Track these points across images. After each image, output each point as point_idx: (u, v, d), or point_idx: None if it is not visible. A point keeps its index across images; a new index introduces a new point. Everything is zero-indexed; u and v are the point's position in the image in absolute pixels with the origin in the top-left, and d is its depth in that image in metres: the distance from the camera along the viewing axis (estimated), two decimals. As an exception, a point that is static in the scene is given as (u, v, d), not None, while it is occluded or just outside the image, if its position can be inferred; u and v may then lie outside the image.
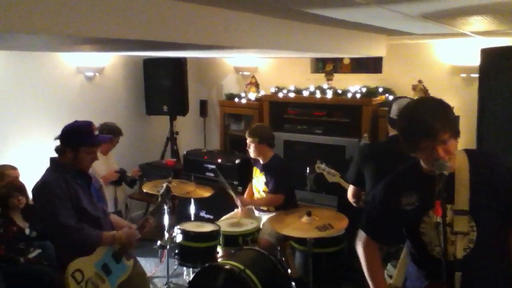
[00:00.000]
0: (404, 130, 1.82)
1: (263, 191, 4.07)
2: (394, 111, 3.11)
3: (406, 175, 1.98)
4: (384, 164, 3.05)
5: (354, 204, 3.35)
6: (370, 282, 2.03)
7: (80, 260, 2.60)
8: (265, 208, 4.06)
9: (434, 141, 1.71)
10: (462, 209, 1.77)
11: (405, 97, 3.28)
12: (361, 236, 2.08)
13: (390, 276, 2.20)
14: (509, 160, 3.18)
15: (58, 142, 2.75)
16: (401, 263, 2.11)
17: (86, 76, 5.20)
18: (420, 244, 1.89)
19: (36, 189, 2.67)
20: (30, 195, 3.55)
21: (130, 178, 4.25)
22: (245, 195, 4.34)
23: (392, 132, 3.16)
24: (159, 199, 3.34)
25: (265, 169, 4.03)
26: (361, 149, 3.40)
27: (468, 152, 1.91)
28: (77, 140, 2.69)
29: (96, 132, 2.78)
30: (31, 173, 3.88)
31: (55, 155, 2.79)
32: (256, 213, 4.13)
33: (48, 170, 2.74)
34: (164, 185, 3.46)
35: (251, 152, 4.04)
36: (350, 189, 3.29)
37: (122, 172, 4.19)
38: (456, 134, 1.79)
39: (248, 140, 4.01)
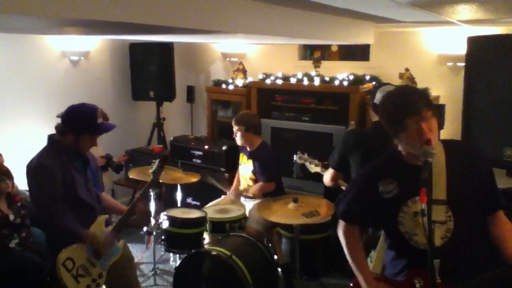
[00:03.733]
0: (389, 111, 1.87)
1: (250, 178, 4.06)
2: (378, 98, 3.14)
3: (386, 162, 2.01)
4: (371, 151, 3.09)
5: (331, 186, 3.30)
6: (352, 265, 2.06)
7: (71, 248, 2.59)
8: (251, 195, 4.06)
9: (419, 117, 1.76)
10: (439, 198, 1.81)
11: (388, 83, 3.30)
12: (341, 221, 2.12)
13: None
14: (494, 147, 3.23)
15: (59, 120, 2.71)
16: (379, 250, 2.13)
17: (71, 60, 5.12)
18: (397, 233, 1.91)
19: (31, 168, 2.60)
20: (15, 180, 3.56)
21: (116, 163, 4.20)
22: (234, 183, 4.33)
23: (375, 118, 3.19)
24: (151, 177, 3.14)
25: (252, 156, 4.02)
26: (346, 136, 3.38)
27: (444, 142, 1.94)
28: (80, 127, 2.64)
29: (100, 120, 2.70)
30: (15, 158, 3.84)
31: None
32: (242, 199, 4.13)
33: (45, 150, 2.67)
34: (157, 161, 3.19)
35: (238, 140, 4.02)
36: (329, 173, 3.25)
37: (108, 158, 4.14)
38: (436, 114, 1.84)
39: (235, 128, 3.99)
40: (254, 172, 4.01)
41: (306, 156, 3.60)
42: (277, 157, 4.05)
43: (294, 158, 3.78)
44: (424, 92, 1.90)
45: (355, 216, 2.07)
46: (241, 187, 4.20)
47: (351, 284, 2.15)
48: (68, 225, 2.58)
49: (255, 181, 4.03)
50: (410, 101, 1.79)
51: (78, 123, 2.64)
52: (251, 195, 4.03)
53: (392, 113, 1.85)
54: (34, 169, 2.59)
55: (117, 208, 3.06)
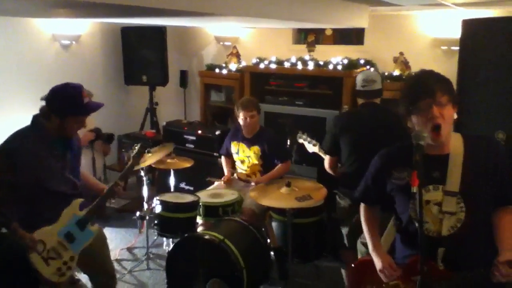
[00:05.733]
0: (406, 93, 1.92)
1: (255, 164, 4.01)
2: (359, 82, 3.37)
3: (402, 151, 2.02)
4: (360, 131, 3.24)
5: (332, 173, 3.51)
6: (367, 237, 2.18)
7: (42, 230, 2.51)
8: (248, 178, 4.03)
9: (432, 100, 1.79)
10: (452, 190, 1.85)
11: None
12: (362, 205, 2.27)
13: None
14: (487, 131, 3.23)
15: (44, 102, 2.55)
16: (388, 232, 2.21)
17: (62, 44, 5.05)
18: (408, 220, 1.96)
19: (11, 144, 2.48)
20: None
21: (106, 134, 4.12)
22: (226, 172, 4.24)
23: (361, 101, 3.41)
24: (130, 161, 2.97)
25: (257, 141, 3.97)
26: (337, 119, 3.48)
27: (464, 136, 1.97)
28: (65, 108, 2.51)
29: (86, 99, 2.57)
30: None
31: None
32: (242, 184, 4.09)
33: (29, 130, 2.55)
34: (137, 145, 3.06)
35: (249, 125, 3.93)
36: (326, 159, 3.47)
37: (97, 131, 4.06)
38: (454, 101, 1.86)
39: (253, 113, 3.91)
40: (262, 156, 3.96)
41: (305, 136, 3.67)
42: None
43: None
44: (445, 78, 1.89)
45: (371, 197, 2.19)
46: (240, 175, 4.11)
47: (353, 265, 2.22)
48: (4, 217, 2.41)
49: (263, 165, 3.99)
50: (425, 83, 1.83)
51: (63, 105, 2.51)
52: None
53: (408, 96, 1.89)
54: (13, 147, 2.46)
55: (96, 187, 2.95)
